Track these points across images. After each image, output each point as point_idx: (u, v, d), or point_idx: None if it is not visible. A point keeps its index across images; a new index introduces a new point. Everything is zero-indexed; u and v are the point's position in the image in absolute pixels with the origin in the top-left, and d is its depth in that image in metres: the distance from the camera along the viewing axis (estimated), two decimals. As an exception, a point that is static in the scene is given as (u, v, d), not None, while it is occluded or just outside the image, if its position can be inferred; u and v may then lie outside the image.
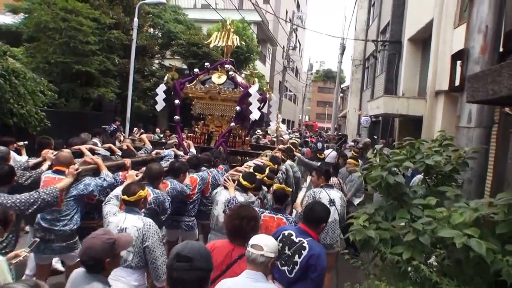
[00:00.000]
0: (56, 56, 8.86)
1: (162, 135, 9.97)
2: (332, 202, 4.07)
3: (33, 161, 3.86)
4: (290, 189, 3.71)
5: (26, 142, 5.00)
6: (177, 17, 16.69)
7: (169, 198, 3.53)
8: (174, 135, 6.81)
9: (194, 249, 1.69)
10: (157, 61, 16.91)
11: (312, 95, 55.78)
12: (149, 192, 3.17)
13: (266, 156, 5.62)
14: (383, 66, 13.62)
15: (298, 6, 35.26)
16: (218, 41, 6.60)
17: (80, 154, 4.28)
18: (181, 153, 5.36)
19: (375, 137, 11.89)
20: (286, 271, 2.65)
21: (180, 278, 1.65)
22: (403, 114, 9.37)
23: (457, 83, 3.38)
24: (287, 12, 29.07)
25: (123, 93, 11.08)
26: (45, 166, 3.74)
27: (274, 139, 11.13)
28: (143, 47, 12.02)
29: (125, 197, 2.85)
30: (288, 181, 5.80)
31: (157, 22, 15.23)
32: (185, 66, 16.37)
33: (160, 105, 6.45)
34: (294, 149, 7.21)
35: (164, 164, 4.49)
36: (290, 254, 2.67)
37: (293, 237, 2.72)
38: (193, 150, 5.46)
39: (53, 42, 8.97)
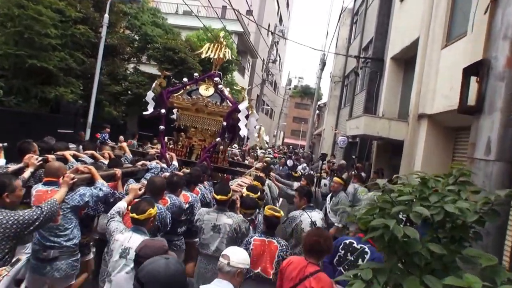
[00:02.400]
0: (6, 47, 7.78)
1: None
2: (313, 224, 4.04)
3: (13, 167, 3.52)
4: (281, 214, 3.54)
5: (6, 144, 4.47)
6: (155, 20, 15.85)
7: (169, 214, 3.36)
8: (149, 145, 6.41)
9: (151, 276, 1.59)
10: (132, 65, 16.02)
11: (289, 110, 55.68)
12: None
13: (250, 175, 5.57)
14: (364, 83, 13.22)
15: (280, 20, 35.13)
16: (210, 53, 6.44)
17: (63, 161, 3.97)
18: (164, 165, 5.07)
19: (354, 157, 11.36)
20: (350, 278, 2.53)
21: None
22: (383, 136, 8.80)
23: (470, 102, 2.71)
24: (269, 25, 28.74)
25: (90, 96, 10.05)
26: (27, 173, 3.46)
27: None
28: (113, 47, 11.02)
29: (134, 215, 2.74)
30: (267, 201, 5.61)
31: (133, 23, 14.34)
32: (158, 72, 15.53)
33: (149, 111, 6.09)
34: (270, 169, 6.97)
35: (149, 176, 4.31)
36: (353, 259, 2.96)
37: (355, 245, 3.03)
38: (175, 163, 5.27)
39: (4, 30, 7.90)
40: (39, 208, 2.76)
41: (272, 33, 27.31)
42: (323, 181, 8.83)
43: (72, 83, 9.08)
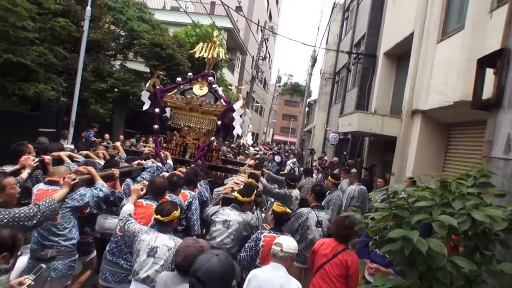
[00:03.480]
0: (-21, 41, 7.32)
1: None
2: (319, 223, 4.24)
3: (9, 168, 3.47)
4: (291, 211, 3.71)
5: None
6: (142, 15, 15.37)
7: None
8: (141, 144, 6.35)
9: (209, 274, 1.71)
10: (118, 62, 15.54)
11: (278, 108, 55.50)
12: (153, 208, 3.17)
13: (245, 173, 5.56)
14: (356, 80, 12.99)
15: (270, 16, 34.80)
16: (203, 53, 6.47)
17: (59, 162, 4.02)
18: (159, 164, 5.12)
19: (345, 153, 11.16)
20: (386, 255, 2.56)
21: None
22: (376, 133, 8.59)
23: (485, 95, 2.45)
24: (258, 21, 28.41)
25: (72, 93, 9.60)
26: (24, 174, 3.45)
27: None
28: (97, 42, 10.55)
29: (159, 217, 2.82)
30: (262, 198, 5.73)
31: (119, 18, 13.85)
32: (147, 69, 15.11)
33: (146, 106, 6.08)
34: (262, 165, 6.95)
35: (146, 175, 4.47)
36: None
37: None
38: (169, 162, 5.32)
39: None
40: (36, 206, 2.76)
41: (262, 29, 27.01)
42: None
43: (52, 79, 8.60)
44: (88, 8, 9.13)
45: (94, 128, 10.69)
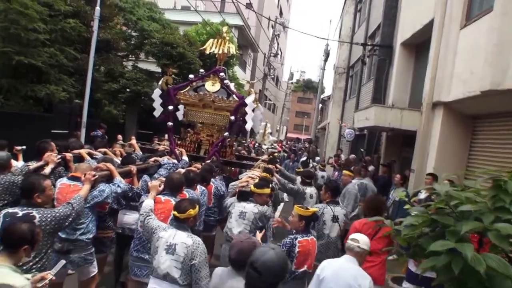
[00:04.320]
0: (-8, 44, 7.29)
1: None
2: (335, 218, 4.28)
3: (34, 165, 3.69)
4: (317, 209, 3.73)
5: (24, 147, 4.77)
6: (152, 15, 15.25)
7: None
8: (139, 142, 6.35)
9: (266, 266, 1.78)
10: (130, 63, 15.50)
11: (291, 105, 54.95)
12: (171, 203, 3.32)
13: (259, 167, 5.61)
14: (372, 73, 12.57)
15: (281, 13, 34.37)
16: (213, 49, 6.48)
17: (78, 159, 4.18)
18: (175, 161, 5.19)
19: (362, 150, 10.79)
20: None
21: (251, 283, 1.82)
22: (395, 127, 8.22)
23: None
24: (269, 18, 28.05)
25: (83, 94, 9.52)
26: (47, 169, 3.60)
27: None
28: (106, 42, 10.45)
29: (175, 213, 2.88)
30: (277, 193, 5.72)
31: (129, 18, 13.76)
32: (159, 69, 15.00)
33: (158, 111, 6.23)
34: (276, 161, 6.95)
35: (163, 172, 4.55)
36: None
37: None
38: (185, 158, 5.45)
39: (-11, 26, 7.44)
40: (70, 205, 2.94)
41: (273, 26, 26.67)
42: (320, 173, 8.83)
43: (63, 80, 8.53)
44: (97, 8, 9.00)
45: (101, 129, 10.62)
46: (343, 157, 12.43)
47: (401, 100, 9.51)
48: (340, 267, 2.84)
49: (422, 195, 5.77)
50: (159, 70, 15.16)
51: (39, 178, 2.94)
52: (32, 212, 2.71)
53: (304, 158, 12.69)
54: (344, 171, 6.18)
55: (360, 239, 2.93)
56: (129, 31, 14.48)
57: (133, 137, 10.34)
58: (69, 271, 3.62)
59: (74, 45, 9.02)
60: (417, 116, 7.71)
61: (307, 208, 3.50)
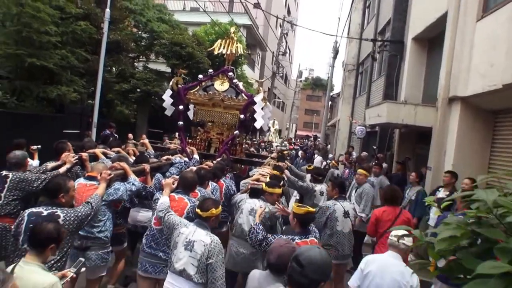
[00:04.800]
0: (6, 47, 7.26)
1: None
2: (346, 214, 4.28)
3: (51, 164, 3.84)
4: (314, 210, 3.47)
5: (40, 146, 4.89)
6: (161, 16, 15.23)
7: None
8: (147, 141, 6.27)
9: (309, 260, 1.79)
10: (141, 64, 15.51)
11: (300, 103, 54.64)
12: (185, 201, 3.42)
13: (269, 165, 5.62)
14: (382, 69, 12.28)
15: (288, 11, 34.10)
16: (222, 49, 6.59)
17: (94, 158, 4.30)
18: (186, 159, 5.28)
19: (374, 147, 10.54)
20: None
21: (293, 277, 1.82)
22: (408, 124, 7.94)
23: None
24: (277, 17, 27.84)
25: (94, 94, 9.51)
26: (63, 169, 3.72)
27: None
28: (116, 43, 10.42)
29: (198, 211, 2.93)
30: (287, 190, 5.71)
31: (139, 20, 13.76)
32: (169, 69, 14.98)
33: (169, 110, 6.35)
34: (285, 158, 7.13)
35: (174, 171, 4.61)
36: None
37: None
38: (196, 156, 5.49)
39: (3, 30, 7.41)
40: (89, 204, 3.02)
41: (281, 25, 26.46)
42: (335, 171, 8.73)
43: (75, 81, 8.52)
44: (107, 10, 8.99)
45: (111, 128, 10.64)
46: (354, 154, 12.18)
47: (414, 96, 9.22)
48: (385, 263, 2.88)
49: (441, 193, 5.57)
50: (169, 70, 15.18)
51: (64, 179, 3.04)
52: (56, 211, 2.80)
53: (318, 161, 12.41)
54: (360, 170, 5.78)
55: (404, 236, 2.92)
56: (139, 32, 14.49)
57: (144, 136, 10.39)
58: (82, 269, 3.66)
59: (85, 46, 9.02)
60: (432, 112, 7.44)
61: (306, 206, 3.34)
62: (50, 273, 2.26)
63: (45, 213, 2.76)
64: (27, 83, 7.72)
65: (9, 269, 2.15)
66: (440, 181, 6.29)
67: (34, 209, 2.79)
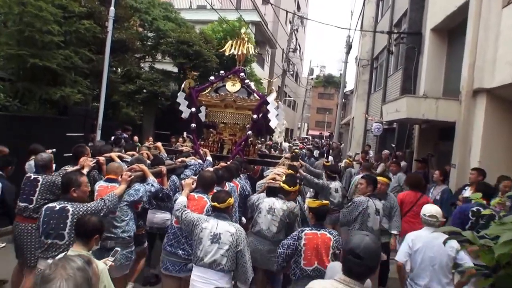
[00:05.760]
0: (7, 48, 7.24)
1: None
2: (377, 212, 4.41)
3: (70, 169, 3.93)
4: (327, 202, 3.65)
5: (55, 150, 5.02)
6: (168, 14, 15.19)
7: None
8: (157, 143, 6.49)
9: (367, 251, 1.89)
10: (147, 64, 15.52)
11: (312, 101, 54.32)
12: (205, 200, 3.59)
13: (284, 165, 5.70)
14: (399, 62, 12.08)
15: (298, 7, 33.85)
16: (233, 50, 6.70)
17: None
18: (199, 161, 5.43)
19: (393, 145, 10.29)
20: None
21: (351, 268, 1.92)
22: (429, 119, 7.72)
23: None
24: (287, 13, 27.67)
25: (99, 95, 9.46)
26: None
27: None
28: (122, 42, 10.36)
29: (215, 204, 3.14)
30: (301, 189, 5.79)
31: (145, 18, 13.72)
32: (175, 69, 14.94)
33: (186, 113, 6.45)
34: (298, 158, 7.22)
35: (188, 173, 4.78)
36: (484, 222, 3.78)
37: (481, 211, 3.83)
38: (209, 158, 5.66)
39: (5, 30, 7.39)
40: (102, 201, 3.19)
41: (290, 21, 26.29)
42: (352, 170, 8.80)
43: (79, 82, 8.45)
44: (112, 8, 8.90)
45: (127, 131, 10.67)
46: (371, 153, 11.92)
47: (434, 90, 9.00)
48: (429, 237, 3.38)
49: (467, 192, 5.35)
50: (175, 70, 15.13)
51: (76, 174, 3.26)
52: (66, 206, 3.00)
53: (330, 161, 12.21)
54: (380, 178, 5.10)
55: (437, 214, 3.48)
56: (145, 31, 14.47)
57: (151, 138, 10.37)
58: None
59: (89, 46, 8.92)
60: (455, 105, 7.21)
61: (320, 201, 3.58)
62: (97, 261, 2.40)
63: (57, 207, 3.00)
64: (29, 84, 7.68)
65: (58, 257, 2.21)
66: (465, 179, 6.10)
67: (50, 204, 3.07)
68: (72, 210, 2.97)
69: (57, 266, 1.39)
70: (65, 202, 3.03)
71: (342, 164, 9.07)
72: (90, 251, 2.62)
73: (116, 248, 2.96)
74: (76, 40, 8.51)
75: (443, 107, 7.47)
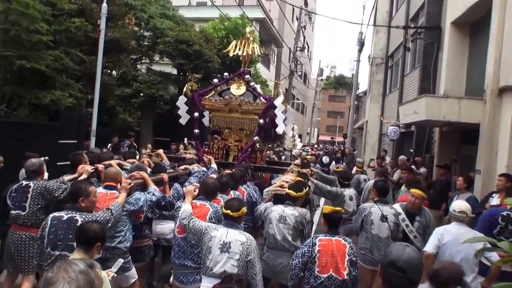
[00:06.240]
0: (-7, 49, 7.27)
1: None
2: (384, 218, 4.36)
3: (68, 177, 4.06)
4: (341, 209, 3.79)
5: (47, 158, 5.07)
6: (165, 12, 15.25)
7: None
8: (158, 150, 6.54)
9: (409, 263, 1.88)
10: (144, 66, 15.57)
11: (322, 104, 54.26)
12: (207, 207, 3.69)
13: (293, 172, 5.79)
14: (417, 60, 11.98)
15: (305, 3, 33.93)
16: (237, 51, 6.73)
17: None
18: (204, 168, 5.48)
19: (411, 150, 10.17)
20: None
21: (392, 282, 1.91)
22: (451, 121, 7.63)
23: None
24: (293, 9, 27.74)
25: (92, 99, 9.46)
26: (80, 179, 3.91)
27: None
28: (116, 42, 10.38)
29: (229, 212, 3.22)
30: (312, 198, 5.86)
31: (140, 16, 13.77)
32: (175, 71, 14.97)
33: (184, 118, 6.55)
34: (309, 165, 7.26)
35: (193, 180, 4.84)
36: None
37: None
38: (214, 166, 5.71)
39: (-10, 29, 7.44)
40: (109, 211, 3.29)
41: (297, 17, 26.35)
42: (362, 176, 8.73)
43: (70, 85, 8.43)
44: (104, 5, 8.91)
45: (130, 138, 10.74)
46: (387, 159, 11.78)
47: (455, 89, 8.90)
48: (458, 232, 3.61)
49: (495, 200, 5.23)
50: (174, 71, 15.16)
51: (85, 183, 3.37)
52: (75, 216, 3.09)
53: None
54: (414, 191, 4.53)
55: (466, 210, 3.72)
56: (141, 31, 14.52)
57: (150, 146, 10.35)
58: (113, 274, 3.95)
59: (80, 46, 8.91)
60: (479, 105, 7.09)
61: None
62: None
63: (65, 217, 3.09)
64: (17, 88, 7.66)
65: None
66: (492, 186, 5.96)
67: (56, 214, 3.14)
68: (82, 221, 3.03)
69: (60, 269, 1.47)
70: (74, 212, 3.12)
71: (353, 171, 8.95)
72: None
73: (120, 259, 3.03)
74: (66, 40, 8.48)
75: (465, 108, 7.36)
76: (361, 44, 17.60)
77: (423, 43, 10.92)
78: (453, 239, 3.58)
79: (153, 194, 3.95)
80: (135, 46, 12.73)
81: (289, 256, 3.84)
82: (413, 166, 8.96)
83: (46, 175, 4.70)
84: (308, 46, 36.15)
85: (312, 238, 3.43)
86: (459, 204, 3.86)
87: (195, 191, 3.81)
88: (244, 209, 3.26)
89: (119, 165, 4.84)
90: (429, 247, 3.71)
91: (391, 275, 1.90)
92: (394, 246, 2.06)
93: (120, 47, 10.75)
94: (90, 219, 3.07)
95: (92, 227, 2.67)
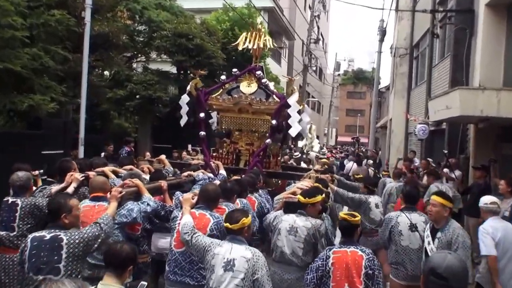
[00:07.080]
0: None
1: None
2: (413, 227, 4.33)
3: (56, 188, 4.04)
4: (358, 217, 3.60)
5: (42, 171, 5.11)
6: (161, 2, 15.04)
7: None
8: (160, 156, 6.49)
9: (451, 270, 1.93)
10: (140, 65, 15.42)
11: (340, 102, 53.89)
12: (207, 217, 3.66)
13: (310, 178, 5.71)
14: (447, 48, 11.66)
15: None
16: (247, 43, 6.70)
17: None
18: (210, 175, 5.46)
19: (445, 151, 9.77)
20: None
21: None
22: (489, 116, 7.34)
23: None
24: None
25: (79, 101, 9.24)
26: (70, 189, 3.90)
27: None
28: (103, 37, 10.15)
29: (227, 224, 3.18)
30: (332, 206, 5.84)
31: (133, 8, 13.54)
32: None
33: (184, 120, 6.55)
34: (331, 170, 7.42)
35: (198, 189, 4.69)
36: None
37: None
38: (222, 172, 5.69)
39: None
40: (98, 225, 3.18)
41: (310, 6, 26.02)
42: (387, 180, 8.84)
43: (52, 87, 8.20)
44: (90, -7, 8.68)
45: (129, 145, 10.93)
46: (417, 161, 11.46)
47: (492, 79, 8.64)
48: (504, 227, 4.15)
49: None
50: (174, 70, 14.97)
51: (65, 197, 3.27)
52: (59, 234, 2.98)
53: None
54: (435, 198, 4.18)
55: (496, 200, 4.28)
56: (135, 24, 14.31)
57: (148, 154, 10.13)
58: None
59: (62, 43, 8.72)
60: (521, 98, 6.70)
61: (353, 215, 3.54)
62: None
63: (48, 236, 2.97)
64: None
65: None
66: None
67: (37, 234, 3.02)
68: (67, 239, 2.96)
69: None
70: (56, 230, 3.02)
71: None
72: (123, 285, 2.65)
73: (142, 282, 2.97)
74: (45, 36, 8.26)
75: (505, 100, 7.11)
76: (383, 33, 17.29)
77: (453, 29, 10.61)
78: (502, 234, 4.06)
79: (148, 204, 3.89)
80: (128, 41, 12.48)
81: (298, 271, 3.90)
82: (446, 170, 8.75)
83: (33, 187, 4.61)
84: (323, 38, 35.76)
85: (326, 250, 3.45)
86: (486, 198, 4.39)
87: (193, 199, 3.76)
88: (245, 220, 3.15)
89: (114, 172, 4.82)
90: (490, 249, 4.05)
91: (432, 283, 1.95)
92: (435, 253, 2.21)
93: (109, 43, 10.54)
94: (76, 237, 3.00)
95: (123, 249, 2.63)
